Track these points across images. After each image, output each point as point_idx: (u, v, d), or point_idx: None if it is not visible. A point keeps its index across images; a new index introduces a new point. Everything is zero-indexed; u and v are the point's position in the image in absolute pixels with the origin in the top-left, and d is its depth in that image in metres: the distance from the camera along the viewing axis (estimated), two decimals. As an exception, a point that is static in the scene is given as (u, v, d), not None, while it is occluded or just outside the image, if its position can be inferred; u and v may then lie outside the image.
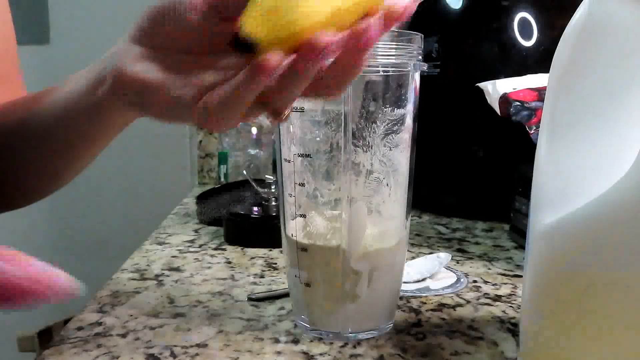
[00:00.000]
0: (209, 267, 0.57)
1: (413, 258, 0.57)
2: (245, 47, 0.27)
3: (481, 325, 0.44)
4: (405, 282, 0.51)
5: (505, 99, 0.67)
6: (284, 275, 0.52)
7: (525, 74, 0.70)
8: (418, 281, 0.52)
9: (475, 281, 0.53)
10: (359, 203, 0.39)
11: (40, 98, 0.43)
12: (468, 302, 0.48)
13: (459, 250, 0.64)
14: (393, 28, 0.29)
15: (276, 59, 0.27)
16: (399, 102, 0.39)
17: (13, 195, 0.50)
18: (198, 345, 0.40)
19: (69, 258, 1.40)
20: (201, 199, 0.78)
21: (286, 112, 0.31)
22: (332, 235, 0.39)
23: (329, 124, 0.38)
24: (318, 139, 0.39)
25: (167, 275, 0.55)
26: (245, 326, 0.43)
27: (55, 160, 0.45)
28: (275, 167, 0.91)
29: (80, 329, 0.43)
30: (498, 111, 0.68)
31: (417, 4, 0.29)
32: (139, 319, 0.45)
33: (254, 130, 0.98)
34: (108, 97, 0.35)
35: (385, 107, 0.38)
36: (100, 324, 0.44)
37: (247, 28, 0.27)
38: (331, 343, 0.41)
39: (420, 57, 0.39)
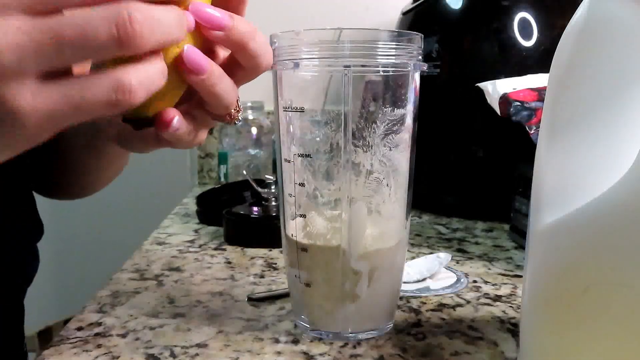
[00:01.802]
0: (209, 267, 0.57)
1: (413, 258, 0.57)
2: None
3: (481, 325, 0.44)
4: (405, 282, 0.51)
5: (505, 99, 0.67)
6: (284, 275, 0.52)
7: (525, 74, 0.70)
8: (418, 281, 0.52)
9: (475, 281, 0.53)
10: (359, 203, 0.39)
11: None
12: (468, 302, 0.48)
13: (459, 250, 0.64)
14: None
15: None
16: (399, 102, 0.39)
17: (73, 190, 0.58)
18: (198, 345, 0.40)
19: (69, 258, 1.40)
20: (201, 199, 0.78)
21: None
22: (332, 235, 0.39)
23: (329, 124, 0.38)
24: (318, 139, 0.39)
25: (167, 275, 0.55)
26: (245, 326, 0.43)
27: (92, 167, 0.52)
28: (275, 167, 0.91)
29: (80, 329, 0.43)
30: (498, 111, 0.68)
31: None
32: (139, 319, 0.45)
33: (254, 130, 0.98)
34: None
35: (385, 107, 0.38)
36: (100, 324, 0.44)
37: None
38: (331, 343, 0.41)
39: (420, 57, 0.39)
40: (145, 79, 0.27)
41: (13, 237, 0.49)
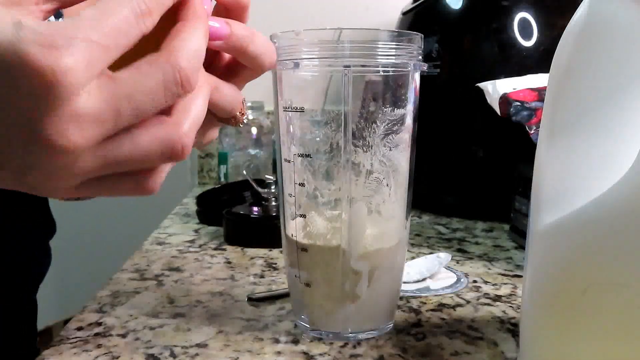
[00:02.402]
0: (209, 267, 0.57)
1: (413, 258, 0.57)
2: None
3: (481, 325, 0.44)
4: (405, 282, 0.51)
5: (505, 99, 0.67)
6: (284, 275, 0.52)
7: (525, 74, 0.70)
8: (418, 281, 0.52)
9: (475, 281, 0.53)
10: (359, 203, 0.39)
11: None
12: (468, 302, 0.48)
13: (459, 250, 0.64)
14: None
15: None
16: (399, 102, 0.39)
17: None
18: (198, 345, 0.40)
19: (69, 258, 1.40)
20: (201, 199, 0.78)
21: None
22: (332, 235, 0.39)
23: (329, 124, 0.38)
24: (318, 139, 0.39)
25: (167, 275, 0.55)
26: (245, 326, 0.43)
27: None
28: (275, 167, 0.91)
29: (80, 329, 0.43)
30: (498, 111, 0.68)
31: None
32: (139, 319, 0.45)
33: (254, 130, 0.98)
34: None
35: (385, 107, 0.38)
36: (100, 324, 0.44)
37: None
38: (331, 343, 0.41)
39: (420, 57, 0.39)
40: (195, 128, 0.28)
41: (27, 235, 0.49)
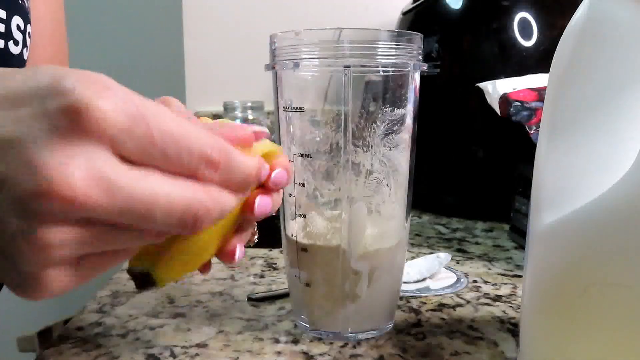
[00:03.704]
0: (209, 267, 0.57)
1: (413, 258, 0.57)
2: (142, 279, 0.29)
3: (481, 325, 0.44)
4: (405, 282, 0.51)
5: (505, 99, 0.67)
6: (284, 275, 0.52)
7: (525, 74, 0.70)
8: (418, 281, 0.52)
9: (475, 281, 0.53)
10: (359, 203, 0.39)
11: None
12: (468, 302, 0.48)
13: (459, 250, 0.63)
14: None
15: None
16: (399, 102, 0.39)
17: None
18: (198, 345, 0.40)
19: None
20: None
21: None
22: (332, 235, 0.39)
23: (329, 124, 0.38)
24: (318, 139, 0.39)
25: (167, 275, 0.55)
26: (245, 326, 0.43)
27: None
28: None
29: (80, 329, 0.43)
30: (498, 111, 0.68)
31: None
32: (139, 319, 0.45)
33: (254, 130, 0.98)
34: None
35: (385, 107, 0.38)
36: (100, 324, 0.44)
37: (157, 274, 0.29)
38: (331, 343, 0.41)
39: (420, 57, 0.39)
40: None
41: None
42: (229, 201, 0.26)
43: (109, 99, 0.22)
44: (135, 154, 0.23)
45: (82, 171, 0.21)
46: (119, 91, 0.22)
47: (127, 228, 0.24)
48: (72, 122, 0.21)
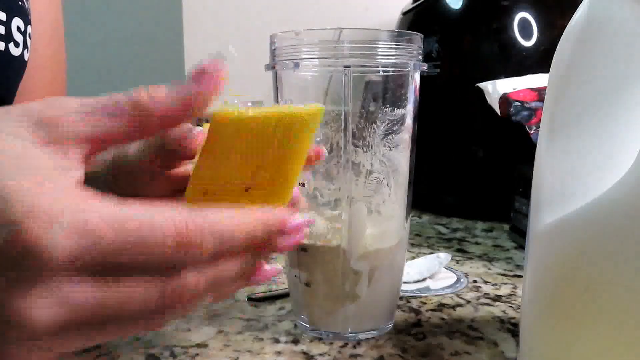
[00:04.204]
0: (209, 267, 0.57)
1: (413, 258, 0.57)
2: None
3: (481, 325, 0.44)
4: (405, 282, 0.51)
5: (505, 99, 0.67)
6: (284, 275, 0.52)
7: (525, 74, 0.70)
8: (418, 281, 0.52)
9: (475, 281, 0.53)
10: (359, 203, 0.39)
11: None
12: (468, 302, 0.48)
13: (459, 250, 0.63)
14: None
15: None
16: (399, 102, 0.39)
17: None
18: (198, 345, 0.40)
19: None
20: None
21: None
22: (332, 235, 0.39)
23: (329, 124, 0.38)
24: (318, 139, 0.39)
25: (167, 275, 0.55)
26: (245, 326, 0.43)
27: None
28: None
29: (80, 329, 0.43)
30: (498, 111, 0.68)
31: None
32: (139, 319, 0.45)
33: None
34: None
35: (385, 107, 0.38)
36: (100, 324, 0.44)
37: None
38: (331, 343, 0.41)
39: (420, 57, 0.39)
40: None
41: None
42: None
43: (56, 232, 0.20)
44: (97, 270, 0.22)
45: (44, 308, 0.21)
46: (68, 217, 0.21)
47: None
48: (22, 258, 0.20)
